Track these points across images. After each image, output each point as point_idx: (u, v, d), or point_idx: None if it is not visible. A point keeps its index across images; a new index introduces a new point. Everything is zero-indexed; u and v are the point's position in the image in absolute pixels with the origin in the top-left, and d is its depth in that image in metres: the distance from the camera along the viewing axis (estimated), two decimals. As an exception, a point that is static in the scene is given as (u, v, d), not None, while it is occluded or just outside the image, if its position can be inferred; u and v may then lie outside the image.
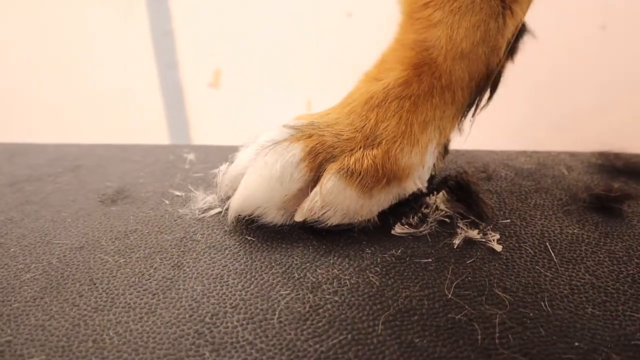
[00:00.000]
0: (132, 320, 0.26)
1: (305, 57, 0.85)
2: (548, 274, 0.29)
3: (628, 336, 0.25)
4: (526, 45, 0.38)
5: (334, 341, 0.25)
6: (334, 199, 0.31)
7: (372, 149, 0.33)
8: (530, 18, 0.37)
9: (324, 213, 0.31)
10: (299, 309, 0.27)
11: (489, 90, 0.37)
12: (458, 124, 0.36)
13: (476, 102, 0.37)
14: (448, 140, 0.37)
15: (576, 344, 0.25)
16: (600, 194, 0.36)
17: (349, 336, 0.25)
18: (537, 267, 0.30)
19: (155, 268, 0.30)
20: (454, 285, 0.28)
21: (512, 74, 0.38)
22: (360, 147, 0.33)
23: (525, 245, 0.32)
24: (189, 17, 0.86)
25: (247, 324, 0.26)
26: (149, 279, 0.29)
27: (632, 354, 0.24)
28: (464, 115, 0.37)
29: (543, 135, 0.76)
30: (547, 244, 0.32)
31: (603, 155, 0.42)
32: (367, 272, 0.29)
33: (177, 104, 0.88)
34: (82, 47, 0.88)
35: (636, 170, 0.40)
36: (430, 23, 0.34)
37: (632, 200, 0.36)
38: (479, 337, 0.25)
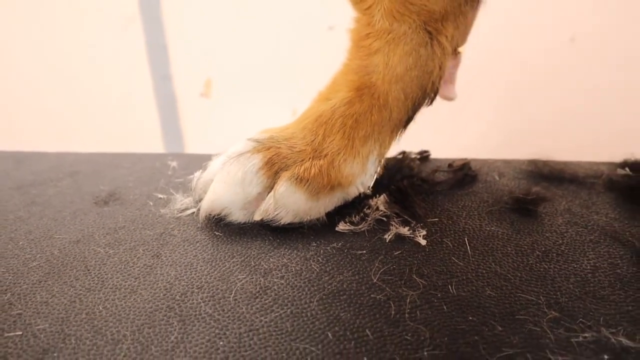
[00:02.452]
0: (117, 298, 0.33)
1: (290, 69, 0.91)
2: (461, 263, 0.36)
3: (514, 312, 0.32)
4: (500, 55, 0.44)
5: (276, 314, 0.31)
6: (286, 202, 0.38)
7: (320, 159, 0.39)
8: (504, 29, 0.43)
9: (278, 213, 0.38)
10: (251, 290, 0.33)
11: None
12: (397, 137, 0.43)
13: (413, 117, 0.43)
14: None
15: (470, 317, 0.31)
16: (519, 196, 0.42)
17: (289, 310, 0.31)
18: (452, 257, 0.36)
19: (138, 257, 0.37)
20: (380, 272, 0.35)
21: (481, 82, 0.44)
22: (309, 158, 0.39)
23: (447, 240, 0.38)
24: (181, 32, 0.92)
25: (209, 301, 0.32)
26: (133, 266, 0.36)
27: (513, 326, 0.31)
28: (403, 129, 0.43)
29: (510, 142, 0.82)
30: (466, 238, 0.38)
31: (532, 162, 0.48)
32: (311, 261, 0.36)
33: (171, 113, 0.94)
34: (82, 61, 0.94)
35: (559, 176, 0.47)
36: (370, 51, 0.41)
37: (546, 202, 0.42)
38: (393, 312, 0.31)
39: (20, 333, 0.31)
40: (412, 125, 0.43)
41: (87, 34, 0.94)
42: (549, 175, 0.47)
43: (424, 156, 0.49)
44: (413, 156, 0.49)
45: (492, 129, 0.85)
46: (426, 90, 0.42)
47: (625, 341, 0.29)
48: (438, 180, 0.45)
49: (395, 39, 0.39)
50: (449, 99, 0.46)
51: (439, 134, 0.48)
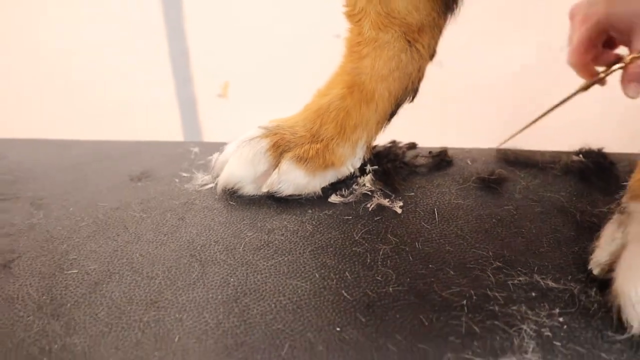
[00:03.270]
0: (151, 248, 0.42)
1: (299, 72, 1.00)
2: (428, 227, 0.44)
3: (465, 262, 0.40)
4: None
5: (276, 261, 0.40)
6: (288, 177, 0.46)
7: (317, 143, 0.47)
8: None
9: (281, 186, 0.46)
10: (256, 243, 0.42)
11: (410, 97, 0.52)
12: (382, 128, 0.51)
13: (397, 111, 0.51)
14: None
15: (430, 265, 0.39)
16: (484, 177, 0.50)
17: (286, 258, 0.40)
18: (422, 222, 0.44)
19: (166, 220, 0.45)
20: (361, 232, 0.43)
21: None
22: (308, 142, 0.47)
23: (419, 210, 0.46)
24: (201, 39, 1.01)
25: (223, 251, 0.41)
26: (162, 226, 0.45)
27: (463, 272, 0.39)
28: (388, 121, 0.51)
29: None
30: (435, 209, 0.46)
31: (501, 151, 0.56)
32: (306, 223, 0.44)
33: (191, 112, 1.03)
34: (112, 65, 1.04)
35: (523, 162, 0.54)
36: (361, 55, 0.49)
37: (508, 182, 0.50)
38: (368, 260, 0.40)
39: (76, 271, 0.39)
40: (422, 123, 0.51)
41: (117, 40, 1.04)
42: (515, 161, 0.55)
43: (410, 145, 0.57)
44: (400, 145, 0.57)
45: (479, 123, 0.93)
46: (407, 88, 0.50)
47: (551, 284, 0.37)
48: (418, 164, 0.53)
49: (380, 46, 0.48)
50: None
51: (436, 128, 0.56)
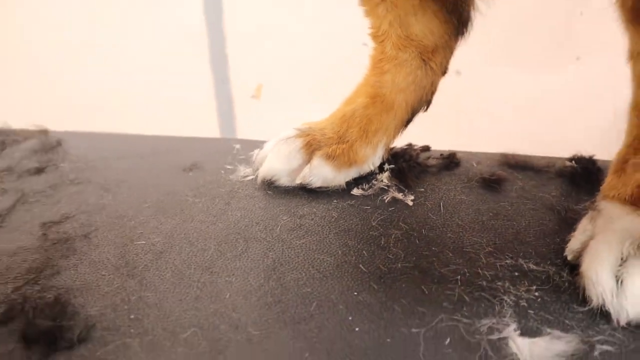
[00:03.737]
0: (203, 227, 0.51)
1: (328, 77, 1.08)
2: (434, 217, 0.52)
3: (463, 247, 0.48)
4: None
5: (306, 240, 0.48)
6: (317, 172, 0.55)
7: (343, 144, 0.56)
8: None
9: (311, 179, 0.55)
10: (290, 225, 0.50)
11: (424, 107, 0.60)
12: (400, 133, 0.59)
13: (412, 118, 0.59)
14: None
15: (433, 248, 0.48)
16: (486, 177, 0.58)
17: (314, 238, 0.49)
18: (429, 213, 0.53)
19: (215, 204, 0.54)
20: (377, 219, 0.51)
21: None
22: (336, 143, 0.56)
23: (427, 203, 0.55)
24: (239, 45, 1.11)
25: (263, 230, 0.50)
26: (212, 209, 0.54)
27: (460, 254, 0.47)
28: (404, 127, 0.60)
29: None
30: (441, 203, 0.55)
31: (503, 155, 0.64)
32: (332, 211, 0.53)
33: (227, 111, 1.13)
34: (158, 66, 1.14)
35: (522, 165, 0.62)
36: (383, 71, 0.57)
37: (506, 182, 0.58)
38: (382, 242, 0.48)
39: (144, 242, 0.49)
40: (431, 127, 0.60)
41: (164, 45, 1.13)
42: (515, 165, 0.62)
43: (424, 148, 0.65)
44: (415, 147, 0.65)
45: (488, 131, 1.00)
46: (421, 99, 0.59)
47: (532, 266, 0.45)
48: (429, 164, 0.62)
49: (400, 64, 0.56)
50: None
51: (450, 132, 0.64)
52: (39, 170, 0.63)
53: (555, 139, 0.73)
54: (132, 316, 0.40)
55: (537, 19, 1.00)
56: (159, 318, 0.39)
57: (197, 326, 0.38)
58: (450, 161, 0.62)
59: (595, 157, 0.62)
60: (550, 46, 1.00)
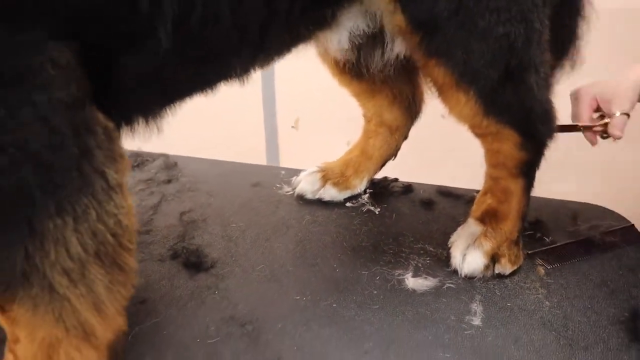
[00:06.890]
0: (264, 219, 0.97)
1: (352, 113, 1.53)
2: (388, 220, 0.97)
3: (405, 236, 0.92)
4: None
5: (319, 229, 0.94)
6: (328, 192, 1.00)
7: (343, 177, 1.01)
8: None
9: (324, 196, 1.00)
10: (311, 220, 0.96)
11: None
12: (378, 171, 1.04)
13: (385, 164, 1.04)
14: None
15: (383, 236, 0.93)
16: (424, 199, 1.03)
17: (322, 228, 0.94)
18: (386, 219, 0.97)
19: (270, 206, 1.00)
20: (357, 220, 0.96)
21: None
22: (339, 176, 1.01)
23: (386, 212, 0.99)
24: (284, 85, 1.56)
25: (295, 222, 0.95)
26: (269, 208, 0.99)
27: (401, 241, 0.92)
28: (380, 168, 1.04)
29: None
30: (394, 213, 0.99)
31: (439, 187, 1.08)
32: (333, 214, 0.98)
33: (273, 139, 1.59)
34: (217, 101, 1.60)
35: (448, 193, 1.07)
36: (368, 137, 1.02)
37: (435, 203, 1.03)
38: (358, 231, 0.93)
39: (234, 225, 0.95)
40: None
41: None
42: (444, 193, 1.07)
43: (393, 179, 1.10)
44: (388, 179, 1.10)
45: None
46: (390, 154, 1.03)
47: (431, 248, 0.90)
48: (394, 190, 1.06)
49: (377, 134, 1.00)
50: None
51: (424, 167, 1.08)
52: (169, 181, 1.10)
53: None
54: (233, 258, 0.86)
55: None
56: (246, 259, 0.85)
57: (264, 264, 0.84)
58: (407, 189, 1.06)
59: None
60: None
